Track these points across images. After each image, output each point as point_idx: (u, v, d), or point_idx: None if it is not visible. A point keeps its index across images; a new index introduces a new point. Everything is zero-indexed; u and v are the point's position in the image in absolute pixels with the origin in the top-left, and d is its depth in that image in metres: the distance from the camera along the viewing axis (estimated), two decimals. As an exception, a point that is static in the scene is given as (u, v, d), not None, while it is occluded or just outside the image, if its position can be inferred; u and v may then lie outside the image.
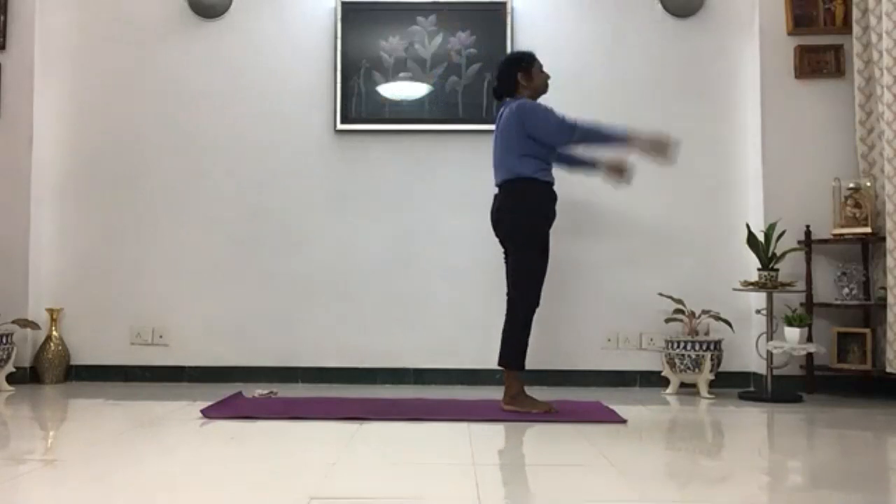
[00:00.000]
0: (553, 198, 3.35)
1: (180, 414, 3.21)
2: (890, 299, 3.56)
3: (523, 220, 3.29)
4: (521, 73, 3.38)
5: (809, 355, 3.85)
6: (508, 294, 3.34)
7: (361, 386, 4.06)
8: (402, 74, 4.23)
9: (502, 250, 3.42)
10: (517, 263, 3.31)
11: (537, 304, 3.31)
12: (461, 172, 4.21)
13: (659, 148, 3.25)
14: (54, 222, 4.23)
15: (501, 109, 3.42)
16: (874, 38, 3.81)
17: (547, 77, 3.45)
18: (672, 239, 4.18)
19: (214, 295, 4.21)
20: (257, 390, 3.76)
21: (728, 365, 4.00)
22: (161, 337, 4.20)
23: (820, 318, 3.97)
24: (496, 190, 3.43)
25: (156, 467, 2.35)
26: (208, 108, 4.27)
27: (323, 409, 3.26)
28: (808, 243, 3.93)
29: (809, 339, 3.82)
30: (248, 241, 4.23)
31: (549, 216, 3.34)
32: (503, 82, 3.43)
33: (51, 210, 4.23)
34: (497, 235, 3.41)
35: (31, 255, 4.10)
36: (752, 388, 4.06)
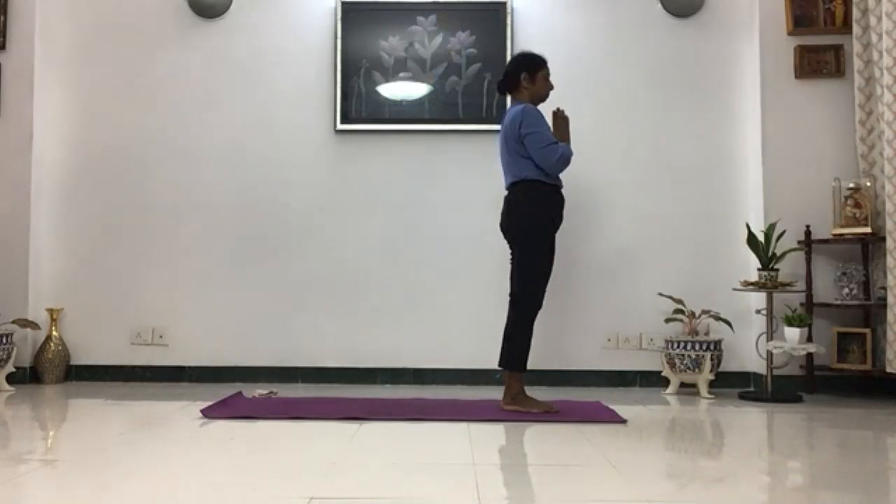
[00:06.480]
0: (559, 200, 3.35)
1: (180, 414, 3.21)
2: (890, 299, 3.56)
3: (528, 221, 3.30)
4: (526, 73, 3.39)
5: (809, 355, 3.85)
6: (511, 295, 3.34)
7: (361, 386, 4.06)
8: (402, 74, 4.23)
9: (509, 252, 3.42)
10: (521, 265, 3.32)
11: (539, 307, 3.31)
12: (461, 172, 4.21)
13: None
14: (54, 222, 4.23)
15: (506, 111, 3.43)
16: (874, 38, 3.81)
17: (550, 87, 3.45)
18: (672, 239, 4.18)
19: (214, 295, 4.20)
20: (257, 390, 3.76)
21: (728, 365, 4.00)
22: (161, 337, 4.20)
23: (820, 318, 3.97)
24: (503, 192, 3.43)
25: (156, 467, 2.35)
26: (208, 107, 4.27)
27: (323, 409, 3.26)
28: (808, 243, 3.93)
29: (809, 339, 3.82)
30: (248, 240, 4.23)
31: (555, 219, 3.35)
32: (508, 77, 3.46)
33: (51, 210, 4.23)
34: (505, 237, 3.41)
35: (31, 255, 4.10)
36: (752, 388, 4.05)
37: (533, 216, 3.30)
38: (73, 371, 4.18)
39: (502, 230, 3.41)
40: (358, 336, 4.17)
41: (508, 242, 3.41)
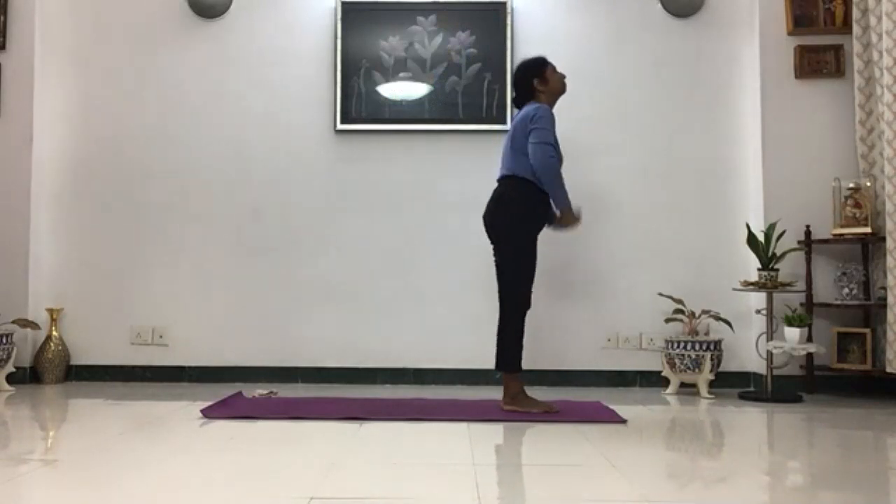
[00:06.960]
0: (545, 203, 3.31)
1: (180, 414, 3.21)
2: (890, 299, 3.56)
3: (514, 218, 3.28)
4: (537, 78, 3.39)
5: (809, 355, 3.85)
6: (499, 297, 3.32)
7: (361, 386, 4.06)
8: (402, 74, 4.23)
9: (491, 247, 3.37)
10: (505, 266, 3.30)
11: (528, 306, 3.29)
12: (461, 172, 4.21)
13: (572, 224, 3.36)
14: (54, 222, 4.23)
15: (517, 112, 3.43)
16: (874, 38, 3.81)
17: (562, 77, 3.45)
18: (672, 239, 4.18)
19: (214, 295, 4.20)
20: (257, 390, 3.76)
21: (728, 365, 4.00)
22: (161, 337, 4.20)
23: (820, 318, 3.97)
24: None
25: (156, 467, 2.35)
26: (208, 107, 4.27)
27: (323, 409, 3.26)
28: (808, 243, 3.93)
29: (809, 339, 3.82)
30: (248, 240, 4.23)
31: (538, 220, 3.32)
32: (521, 91, 3.43)
33: (51, 210, 4.23)
34: (486, 230, 3.37)
35: (31, 255, 4.10)
36: (752, 388, 4.05)
37: (519, 213, 3.27)
38: (73, 371, 4.18)
39: (485, 222, 3.37)
40: (358, 336, 4.17)
41: (489, 235, 3.36)
